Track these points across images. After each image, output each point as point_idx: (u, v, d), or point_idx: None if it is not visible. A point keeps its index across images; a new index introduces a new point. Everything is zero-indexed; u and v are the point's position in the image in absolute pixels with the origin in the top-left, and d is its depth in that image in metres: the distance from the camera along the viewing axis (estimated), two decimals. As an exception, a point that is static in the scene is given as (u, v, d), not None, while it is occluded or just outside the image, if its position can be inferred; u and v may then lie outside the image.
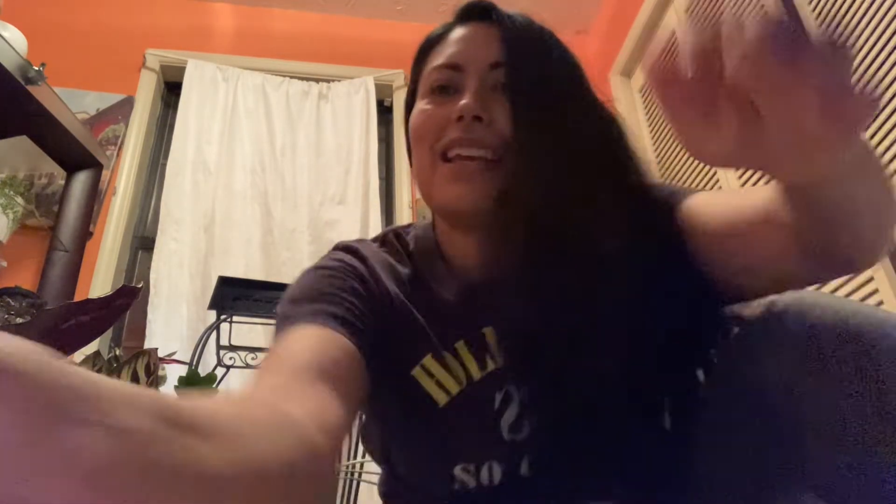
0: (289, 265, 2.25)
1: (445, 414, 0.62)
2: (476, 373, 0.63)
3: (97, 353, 0.91)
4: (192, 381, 1.06)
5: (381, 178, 2.56)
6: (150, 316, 2.02)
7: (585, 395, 0.55)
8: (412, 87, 0.73)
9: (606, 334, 0.55)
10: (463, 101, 0.63)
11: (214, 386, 1.14)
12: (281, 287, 1.53)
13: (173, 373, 1.35)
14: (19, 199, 1.84)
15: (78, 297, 1.96)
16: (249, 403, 0.38)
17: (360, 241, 0.74)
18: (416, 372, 0.63)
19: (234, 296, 1.48)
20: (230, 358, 1.60)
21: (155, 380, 0.81)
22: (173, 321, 2.04)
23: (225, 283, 1.51)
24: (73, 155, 1.86)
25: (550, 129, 0.60)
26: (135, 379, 0.80)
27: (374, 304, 0.63)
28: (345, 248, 0.71)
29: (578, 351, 0.55)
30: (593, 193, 0.59)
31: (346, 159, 2.55)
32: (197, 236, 2.26)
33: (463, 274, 0.68)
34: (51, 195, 2.12)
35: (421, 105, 0.68)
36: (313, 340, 0.54)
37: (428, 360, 0.63)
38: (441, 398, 0.62)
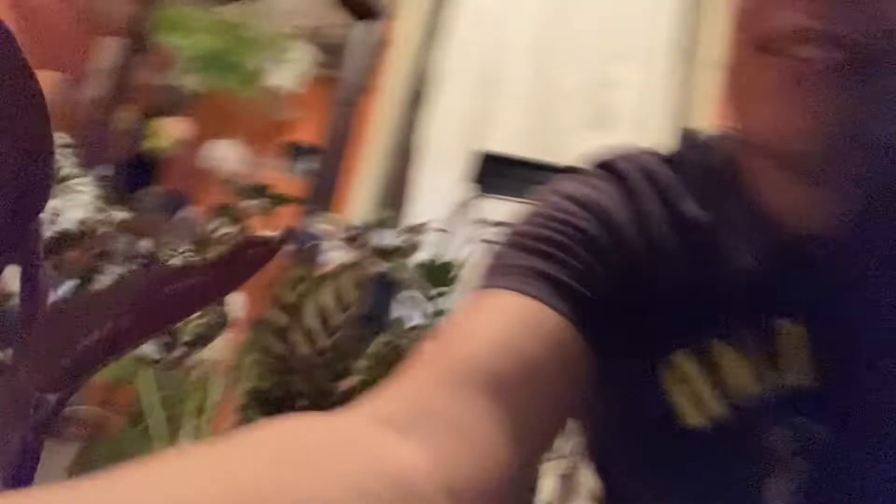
0: (566, 133, 2.06)
1: (697, 442, 0.43)
2: (751, 387, 0.42)
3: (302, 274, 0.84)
4: (432, 272, 1.02)
5: (679, 32, 2.16)
6: (415, 179, 2.04)
7: None
8: None
9: None
10: None
11: (453, 274, 1.09)
12: (547, 168, 1.40)
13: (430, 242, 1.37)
14: (306, 50, 1.90)
15: (354, 152, 2.05)
16: (342, 439, 0.30)
17: (639, 157, 0.51)
18: (664, 372, 0.44)
19: (495, 173, 1.39)
20: (485, 233, 1.53)
21: (361, 296, 0.75)
22: (437, 186, 2.02)
23: (487, 158, 1.42)
24: (357, 4, 1.86)
25: None
26: (337, 297, 0.73)
27: (624, 264, 0.45)
28: (609, 169, 0.51)
29: None
30: None
31: (640, 4, 2.19)
32: (468, 95, 2.17)
33: (778, 229, 0.45)
34: (335, 45, 2.17)
35: None
36: (501, 324, 0.40)
37: (683, 357, 0.44)
38: (695, 418, 0.43)
